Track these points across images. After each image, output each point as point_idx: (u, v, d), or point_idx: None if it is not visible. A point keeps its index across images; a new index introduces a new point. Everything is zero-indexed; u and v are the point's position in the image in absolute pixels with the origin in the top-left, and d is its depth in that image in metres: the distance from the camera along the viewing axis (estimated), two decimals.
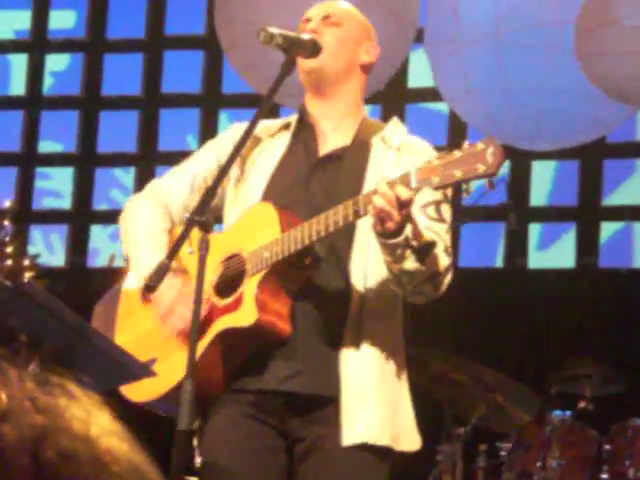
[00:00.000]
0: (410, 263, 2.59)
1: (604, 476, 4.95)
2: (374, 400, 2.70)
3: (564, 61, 5.26)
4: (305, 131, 2.89)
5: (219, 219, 2.96)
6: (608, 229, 7.27)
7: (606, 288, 6.91)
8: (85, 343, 2.60)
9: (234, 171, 2.90)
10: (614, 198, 7.27)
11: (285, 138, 2.91)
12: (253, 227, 2.77)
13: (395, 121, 2.93)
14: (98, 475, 0.81)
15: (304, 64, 2.85)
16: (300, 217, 2.72)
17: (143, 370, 2.74)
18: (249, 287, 2.71)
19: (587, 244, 7.19)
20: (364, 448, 2.69)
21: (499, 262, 7.33)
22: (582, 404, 5.20)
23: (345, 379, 2.69)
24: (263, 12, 4.86)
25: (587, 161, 7.26)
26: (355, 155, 2.83)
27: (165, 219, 2.90)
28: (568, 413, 5.11)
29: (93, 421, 0.82)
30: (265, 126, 2.95)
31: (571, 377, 5.29)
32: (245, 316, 2.69)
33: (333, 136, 2.87)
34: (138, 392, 2.81)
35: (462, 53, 5.44)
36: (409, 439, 2.78)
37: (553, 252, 7.34)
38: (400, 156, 2.82)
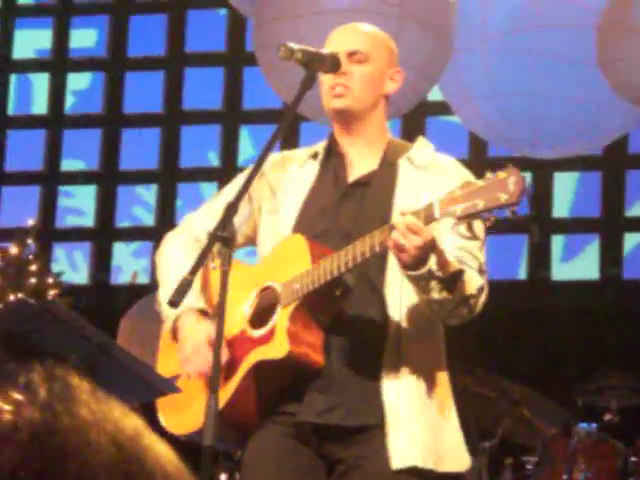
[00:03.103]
0: (437, 293, 2.59)
1: None
2: (418, 423, 2.70)
3: (556, 67, 5.26)
4: (333, 159, 2.89)
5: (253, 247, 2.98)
6: (632, 240, 7.24)
7: (630, 299, 6.88)
8: (108, 359, 2.60)
9: (265, 203, 2.91)
10: (637, 209, 7.24)
11: (314, 168, 2.91)
12: (285, 259, 2.79)
13: (421, 140, 2.92)
14: (140, 472, 0.81)
15: (333, 104, 2.83)
16: (331, 246, 2.72)
17: (167, 386, 2.75)
18: (281, 319, 2.72)
19: (611, 255, 7.17)
20: (409, 471, 2.68)
21: (522, 274, 7.31)
22: (608, 416, 5.17)
23: (389, 406, 2.69)
24: (301, 36, 4.88)
25: (609, 172, 7.24)
26: (382, 179, 2.83)
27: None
28: (594, 425, 5.08)
29: (129, 421, 0.83)
30: (293, 156, 2.96)
31: (596, 389, 5.26)
32: (277, 348, 2.70)
33: (361, 162, 2.87)
34: (179, 425, 2.84)
35: (456, 61, 5.45)
36: (455, 460, 2.76)
37: (577, 264, 7.31)
38: (428, 175, 2.82)
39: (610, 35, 5.09)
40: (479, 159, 6.98)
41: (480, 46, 5.41)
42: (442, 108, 7.00)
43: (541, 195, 7.15)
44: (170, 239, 3.01)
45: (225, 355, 2.72)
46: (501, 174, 2.50)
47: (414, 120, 6.90)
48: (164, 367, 2.94)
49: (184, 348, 2.78)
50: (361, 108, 2.84)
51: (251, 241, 2.95)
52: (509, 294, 6.84)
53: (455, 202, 2.51)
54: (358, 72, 2.83)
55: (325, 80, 2.83)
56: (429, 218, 2.53)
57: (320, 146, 2.94)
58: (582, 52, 5.19)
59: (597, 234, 7.27)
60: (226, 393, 2.74)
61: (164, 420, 2.87)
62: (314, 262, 2.70)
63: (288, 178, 2.92)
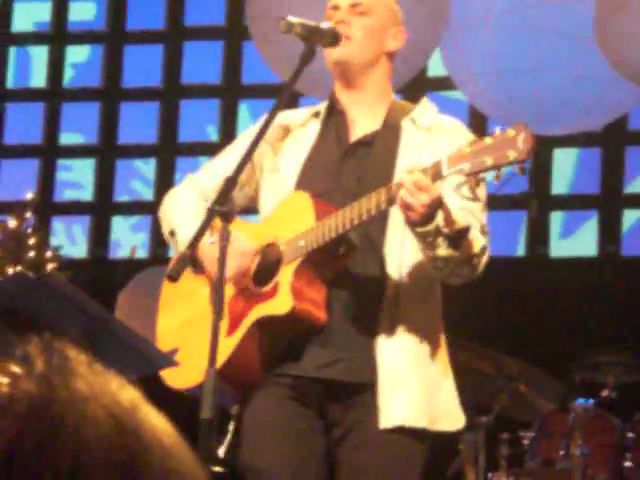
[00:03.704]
0: (443, 250, 2.60)
1: (627, 464, 4.93)
2: (411, 383, 2.72)
3: (559, 44, 5.24)
4: (336, 118, 2.90)
5: (254, 209, 2.98)
6: (630, 217, 7.23)
7: (628, 276, 6.88)
8: (107, 333, 2.61)
9: (267, 162, 2.91)
10: (636, 185, 7.23)
11: (315, 126, 2.91)
12: (289, 216, 2.79)
13: (425, 102, 2.94)
14: (138, 446, 0.81)
15: (332, 54, 2.84)
16: (334, 204, 2.73)
17: (165, 360, 2.75)
18: (285, 275, 2.73)
19: (609, 232, 7.17)
20: (401, 431, 2.70)
21: (521, 251, 7.31)
22: (605, 392, 5.18)
23: (382, 364, 2.71)
24: (295, 7, 4.87)
25: (609, 148, 7.23)
26: (385, 139, 2.84)
27: (203, 206, 2.89)
28: (591, 401, 5.09)
29: (126, 394, 0.83)
30: (294, 116, 2.96)
31: (594, 365, 5.27)
32: (281, 304, 2.71)
33: (363, 122, 2.88)
34: (180, 379, 2.84)
35: (459, 38, 5.43)
36: (449, 419, 2.79)
37: (575, 240, 7.31)
38: (431, 137, 2.82)
39: (608, 11, 5.07)
40: (479, 135, 6.96)
41: (483, 23, 5.40)
42: (442, 84, 6.98)
43: (540, 171, 7.14)
44: (174, 193, 3.01)
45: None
46: (510, 131, 2.51)
47: (414, 96, 6.88)
48: (164, 327, 2.94)
49: (213, 256, 2.69)
50: (362, 60, 2.85)
51: (253, 201, 2.95)
52: (507, 270, 6.84)
53: (463, 159, 2.52)
54: (359, 22, 2.85)
55: None
56: (437, 175, 2.53)
57: (322, 105, 2.95)
58: (585, 29, 5.17)
59: (596, 210, 7.26)
60: (228, 349, 2.75)
61: (164, 374, 2.87)
62: (318, 219, 2.72)
63: (290, 137, 2.92)
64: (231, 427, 2.85)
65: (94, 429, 0.79)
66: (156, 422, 0.83)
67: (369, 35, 2.85)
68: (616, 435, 4.98)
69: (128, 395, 0.83)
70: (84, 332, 2.56)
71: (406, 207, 2.53)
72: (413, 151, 2.79)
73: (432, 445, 2.78)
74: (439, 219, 2.56)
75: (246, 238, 2.78)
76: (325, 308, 2.72)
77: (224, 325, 2.69)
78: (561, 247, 7.28)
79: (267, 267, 2.78)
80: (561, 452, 4.97)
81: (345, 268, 2.75)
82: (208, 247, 2.75)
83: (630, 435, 4.96)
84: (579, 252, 7.22)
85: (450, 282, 2.76)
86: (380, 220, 2.73)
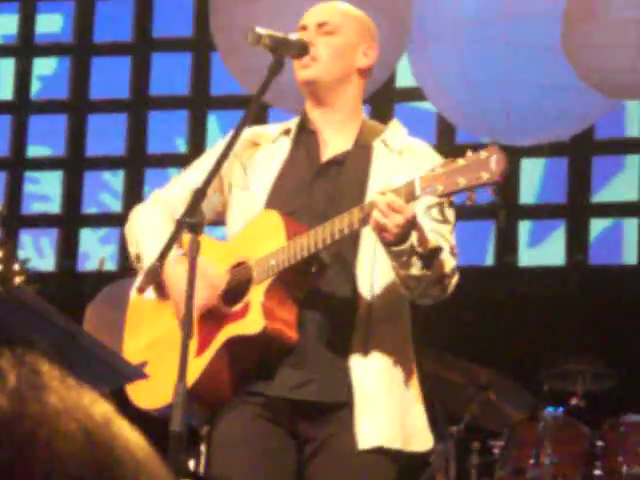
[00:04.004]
0: (416, 269, 2.61)
1: (597, 472, 4.96)
2: (386, 403, 2.72)
3: (528, 55, 5.29)
4: (306, 137, 2.89)
5: (221, 223, 2.96)
6: (598, 226, 7.28)
7: (596, 285, 6.93)
8: (76, 346, 2.59)
9: (236, 177, 2.90)
10: (603, 195, 7.28)
11: (286, 144, 2.90)
12: (259, 235, 2.78)
13: (396, 123, 2.93)
14: (110, 460, 0.81)
15: (300, 75, 2.84)
16: (305, 224, 2.73)
17: (135, 373, 2.74)
18: (256, 295, 2.72)
19: (577, 241, 7.21)
20: (376, 451, 2.71)
21: (489, 260, 7.34)
22: (574, 401, 5.20)
23: (357, 384, 2.71)
24: (259, 17, 4.88)
25: (576, 158, 7.28)
26: (357, 159, 2.84)
27: (171, 225, 2.88)
28: (560, 410, 5.11)
29: (98, 408, 0.83)
30: (264, 132, 2.95)
31: (563, 374, 5.30)
32: (252, 324, 2.70)
33: (335, 141, 2.87)
34: (149, 399, 2.82)
35: (427, 50, 5.47)
36: (420, 440, 2.80)
37: (543, 250, 7.35)
38: (402, 159, 2.83)
39: (575, 23, 5.11)
40: (447, 145, 6.99)
41: (452, 36, 5.43)
42: (411, 94, 7.00)
43: (508, 181, 7.18)
44: (140, 210, 2.98)
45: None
46: (483, 153, 2.51)
47: (383, 106, 6.90)
48: (131, 347, 2.93)
49: (179, 289, 2.72)
50: (330, 79, 2.84)
51: (220, 217, 2.94)
52: (476, 280, 6.86)
53: (436, 180, 2.52)
54: (325, 42, 2.84)
55: None
56: (410, 196, 2.54)
57: (292, 122, 2.94)
58: (552, 40, 5.22)
59: (563, 220, 7.31)
60: (197, 369, 2.73)
61: (133, 395, 2.84)
62: (289, 238, 2.71)
63: (259, 154, 2.91)
64: (203, 448, 2.84)
65: (66, 443, 0.79)
66: (129, 436, 0.83)
67: (336, 54, 2.84)
68: (585, 443, 5.00)
69: (101, 409, 0.83)
70: (52, 345, 2.54)
71: (380, 228, 2.53)
72: (385, 172, 2.79)
73: (404, 465, 2.79)
74: (413, 238, 2.57)
75: (216, 268, 2.75)
76: (296, 328, 2.71)
77: (193, 345, 2.68)
78: (529, 256, 7.31)
79: (237, 286, 2.77)
80: (531, 461, 4.99)
81: (317, 287, 2.74)
82: (172, 270, 2.73)
83: (599, 443, 4.99)
84: (547, 261, 7.25)
85: (420, 302, 2.76)
86: (352, 239, 2.73)
